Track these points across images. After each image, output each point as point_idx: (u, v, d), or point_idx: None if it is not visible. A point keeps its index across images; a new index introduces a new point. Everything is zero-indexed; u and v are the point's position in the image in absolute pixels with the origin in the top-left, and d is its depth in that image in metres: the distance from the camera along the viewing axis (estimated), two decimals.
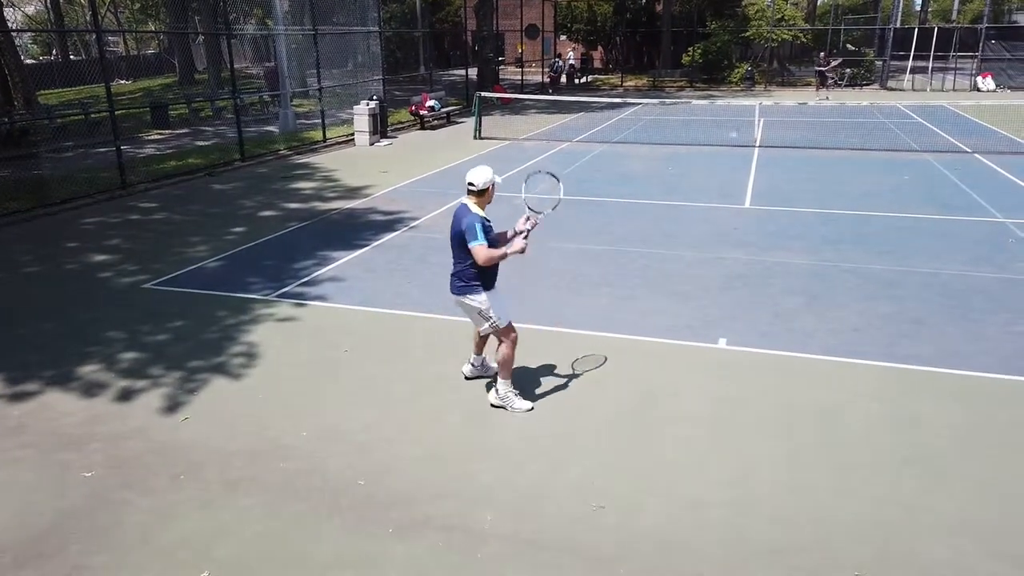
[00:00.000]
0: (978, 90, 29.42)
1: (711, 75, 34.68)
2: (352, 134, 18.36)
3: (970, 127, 19.29)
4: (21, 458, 4.76)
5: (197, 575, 3.72)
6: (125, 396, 5.58)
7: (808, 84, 33.22)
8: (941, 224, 10.02)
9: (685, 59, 35.73)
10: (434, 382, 5.76)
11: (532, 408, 5.29)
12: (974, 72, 30.52)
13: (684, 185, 12.99)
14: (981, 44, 30.49)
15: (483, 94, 20.38)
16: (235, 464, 4.64)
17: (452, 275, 5.27)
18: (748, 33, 33.45)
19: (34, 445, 4.91)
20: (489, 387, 5.56)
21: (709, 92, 31.59)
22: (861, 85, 32.44)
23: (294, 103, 21.51)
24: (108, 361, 6.16)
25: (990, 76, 29.85)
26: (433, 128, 21.15)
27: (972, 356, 6.04)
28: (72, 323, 7.01)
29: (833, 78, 28.94)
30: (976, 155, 15.17)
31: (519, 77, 33.95)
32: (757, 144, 17.08)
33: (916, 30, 33.14)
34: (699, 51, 34.76)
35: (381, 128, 18.70)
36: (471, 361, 5.75)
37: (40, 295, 7.80)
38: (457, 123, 22.05)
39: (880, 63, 33.00)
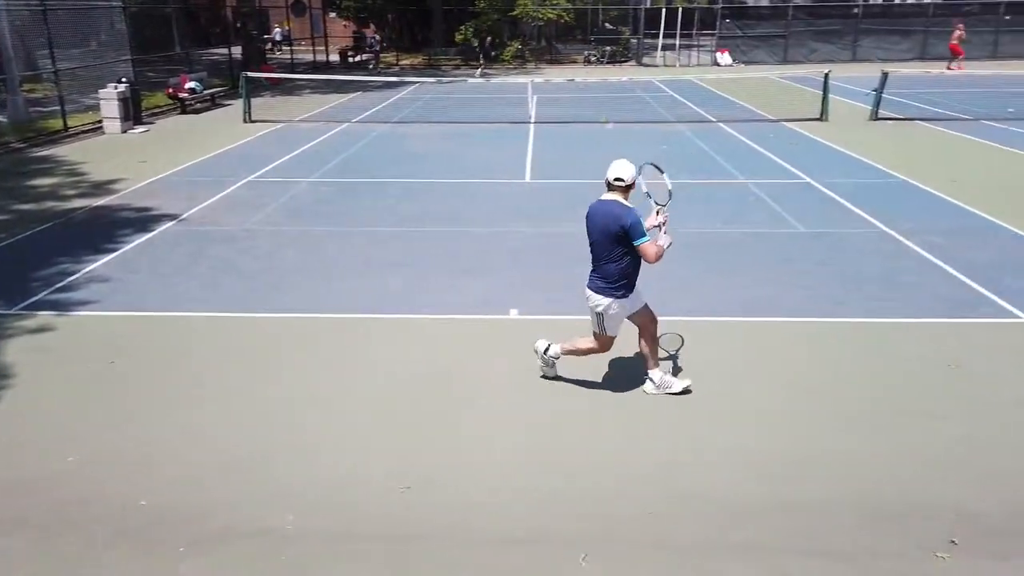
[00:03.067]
0: (718, 64, 32.76)
1: (485, 53, 35.37)
2: (100, 121, 16.50)
3: (713, 98, 21.44)
4: None
5: None
6: None
7: (574, 62, 35.02)
8: (696, 188, 11.05)
9: (458, 37, 36.12)
10: (218, 384, 5.38)
11: (688, 388, 5.15)
12: (714, 49, 33.93)
13: (467, 163, 13.19)
14: (718, 23, 33.93)
15: (249, 74, 19.18)
16: None
17: (594, 272, 4.99)
18: (515, 12, 34.50)
19: None
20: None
21: (484, 71, 32.25)
22: (620, 62, 34.79)
23: (24, 88, 18.85)
24: None
25: (727, 52, 33.34)
26: (196, 112, 19.59)
27: (726, 304, 6.77)
28: None
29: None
30: (720, 124, 16.90)
31: (288, 56, 32.41)
32: (532, 121, 17.74)
33: (664, 10, 36.09)
34: (471, 30, 35.30)
35: (134, 113, 16.99)
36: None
37: None
38: (224, 106, 20.60)
39: (635, 41, 35.59)
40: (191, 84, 19.79)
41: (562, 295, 6.98)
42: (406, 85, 25.24)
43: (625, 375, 5.48)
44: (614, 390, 5.28)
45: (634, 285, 5.03)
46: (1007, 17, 28.23)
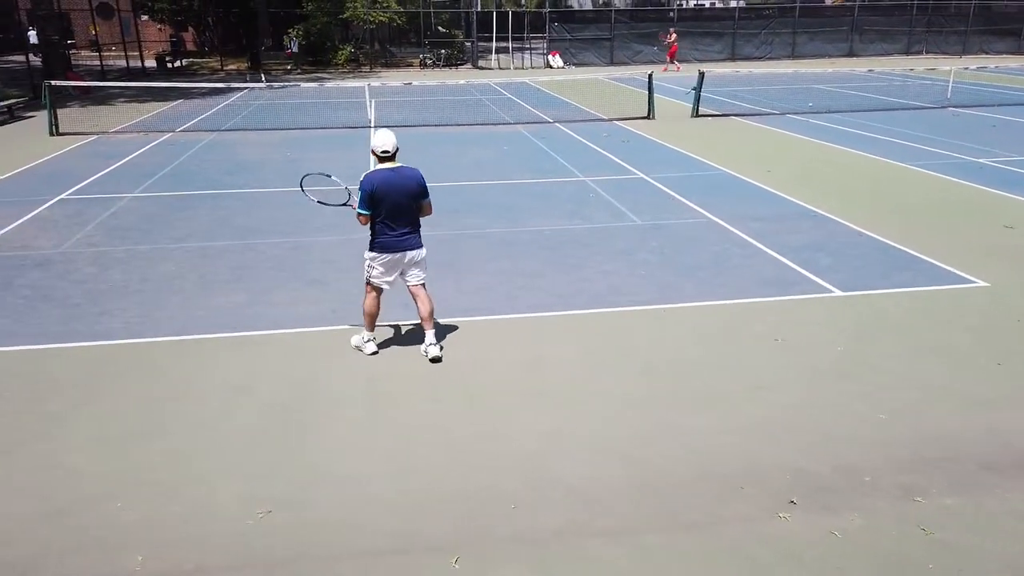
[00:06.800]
0: (550, 67, 33.82)
1: (316, 57, 34.45)
2: None
3: (548, 100, 22.10)
4: None
5: None
6: None
7: (410, 65, 34.87)
8: (538, 187, 11.36)
9: (286, 41, 34.91)
10: (42, 423, 4.88)
11: (376, 352, 5.77)
12: (545, 51, 34.99)
13: (305, 170, 12.73)
14: (547, 27, 35.02)
15: (54, 83, 17.53)
16: None
17: (410, 232, 5.61)
18: (345, 15, 33.84)
19: None
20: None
21: (317, 74, 31.38)
22: (456, 65, 35.05)
23: None
24: None
25: (558, 54, 34.50)
26: None
27: (577, 296, 7.00)
28: None
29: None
30: (557, 124, 17.45)
31: (98, 62, 29.94)
32: (373, 125, 17.47)
33: (495, 13, 36.76)
34: (300, 33, 34.23)
35: None
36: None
37: None
38: (25, 118, 18.70)
39: (469, 44, 35.98)
40: None
41: (409, 296, 6.91)
42: (233, 91, 24.08)
43: (473, 375, 5.52)
44: (465, 389, 5.31)
45: None
46: None
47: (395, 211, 5.49)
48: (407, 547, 3.76)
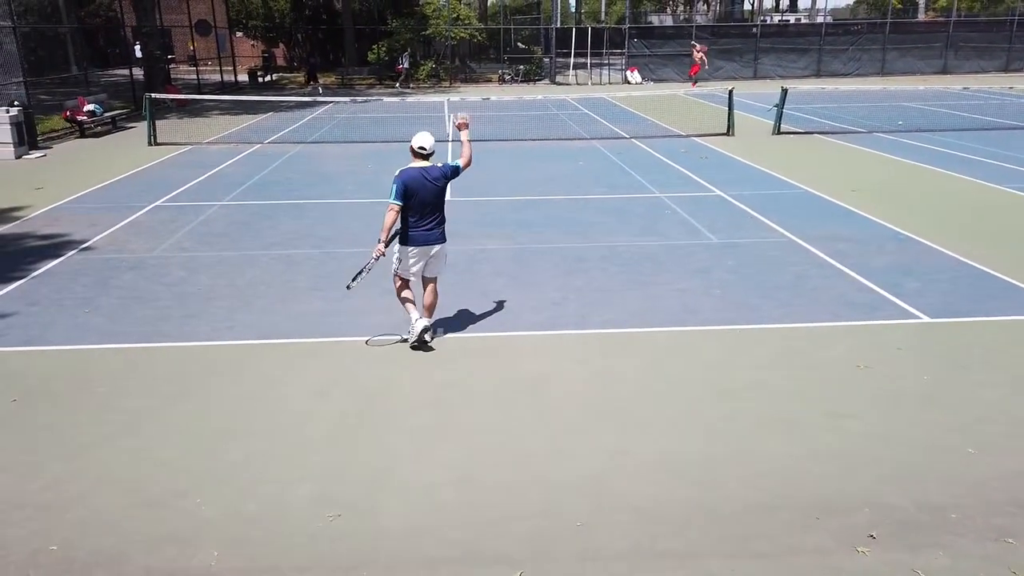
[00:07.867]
0: (628, 83, 33.69)
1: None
2: None
3: (626, 115, 22.01)
4: None
5: None
6: None
7: (489, 80, 35.32)
8: (612, 202, 11.31)
9: (370, 56, 35.92)
10: (129, 419, 5.13)
11: (428, 329, 6.11)
12: (623, 67, 34.89)
13: (384, 183, 13.04)
14: (626, 42, 34.94)
15: (154, 95, 18.53)
16: None
17: (439, 225, 6.12)
18: (428, 31, 34.60)
19: None
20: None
21: (400, 90, 32.16)
22: (534, 80, 35.31)
23: None
24: None
25: (636, 70, 34.35)
26: (97, 135, 18.76)
27: (649, 314, 6.92)
28: None
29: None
30: (633, 140, 17.35)
31: (194, 76, 31.47)
32: (450, 139, 17.77)
33: (574, 30, 36.92)
34: (384, 49, 35.15)
35: (29, 138, 16.13)
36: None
37: None
38: (126, 128, 19.82)
39: (547, 60, 36.22)
40: (90, 107, 18.94)
41: (486, 311, 6.98)
42: (320, 104, 24.89)
43: (542, 390, 5.52)
44: (533, 404, 5.31)
45: None
46: None
47: (424, 206, 5.99)
48: (471, 558, 3.78)
